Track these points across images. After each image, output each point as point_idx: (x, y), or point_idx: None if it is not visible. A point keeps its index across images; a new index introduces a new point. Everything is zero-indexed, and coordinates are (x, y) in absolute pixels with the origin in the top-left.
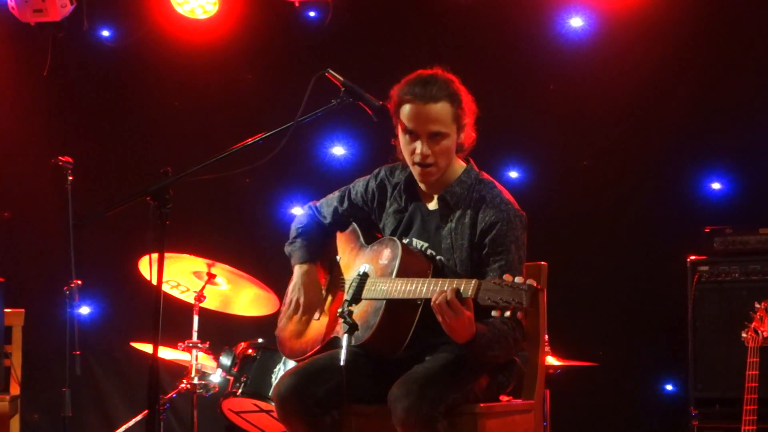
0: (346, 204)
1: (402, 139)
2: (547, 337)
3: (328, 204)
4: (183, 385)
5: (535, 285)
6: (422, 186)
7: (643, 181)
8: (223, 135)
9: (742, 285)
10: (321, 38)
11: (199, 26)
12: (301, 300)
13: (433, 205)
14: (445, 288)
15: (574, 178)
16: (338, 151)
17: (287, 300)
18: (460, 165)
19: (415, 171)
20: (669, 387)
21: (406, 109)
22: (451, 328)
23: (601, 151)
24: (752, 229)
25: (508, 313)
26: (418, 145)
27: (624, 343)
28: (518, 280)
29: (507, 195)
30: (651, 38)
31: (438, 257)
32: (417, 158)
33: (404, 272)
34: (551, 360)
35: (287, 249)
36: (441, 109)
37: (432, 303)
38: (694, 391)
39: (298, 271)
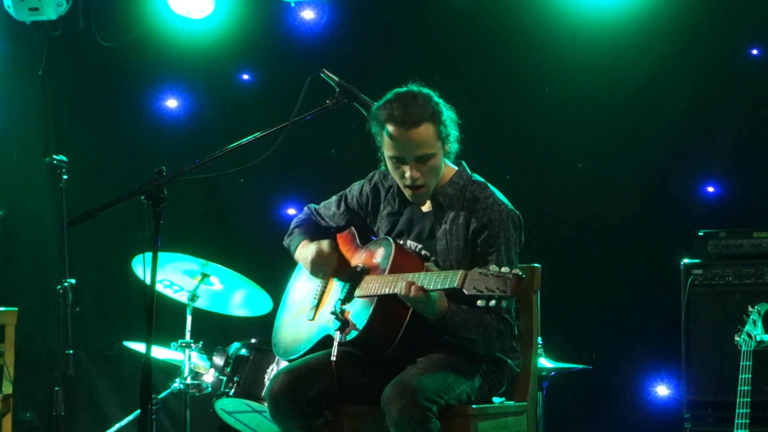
0: (343, 208)
1: (389, 163)
2: (540, 339)
3: (326, 207)
4: (176, 385)
5: (519, 273)
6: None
7: (636, 184)
8: (218, 135)
9: (735, 288)
10: (316, 39)
11: (195, 26)
12: (314, 251)
13: (426, 207)
14: (432, 279)
15: (568, 180)
16: (333, 151)
17: (287, 296)
18: (450, 168)
19: (407, 192)
20: (662, 390)
21: (388, 133)
22: (422, 311)
23: (595, 153)
24: (746, 233)
25: (493, 303)
26: (407, 170)
27: (617, 345)
28: (504, 269)
29: (500, 195)
30: (647, 42)
31: (433, 258)
32: (407, 182)
33: (396, 269)
34: (545, 362)
35: (286, 241)
36: (424, 132)
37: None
38: (687, 394)
39: (301, 246)
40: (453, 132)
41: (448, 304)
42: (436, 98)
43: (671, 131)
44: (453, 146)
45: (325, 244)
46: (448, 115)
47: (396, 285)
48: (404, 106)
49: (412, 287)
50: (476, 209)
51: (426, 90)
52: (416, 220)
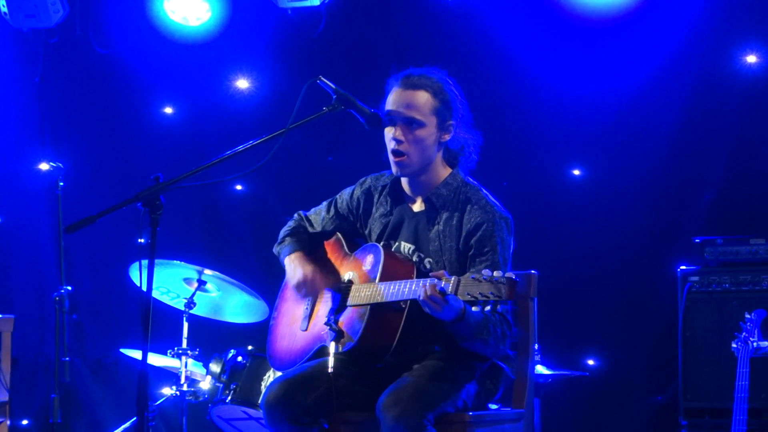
0: (332, 213)
1: (385, 128)
2: (537, 346)
3: (316, 213)
4: (172, 392)
5: (513, 277)
6: (405, 186)
7: (633, 191)
8: (215, 142)
9: (732, 295)
10: (313, 46)
11: (192, 34)
12: (300, 276)
13: (417, 207)
14: (426, 285)
15: (564, 187)
16: (329, 158)
17: (279, 305)
18: (445, 169)
19: (392, 161)
20: (659, 397)
21: (389, 96)
22: (440, 315)
23: (592, 161)
24: (743, 240)
25: (488, 308)
26: (393, 131)
27: (614, 352)
28: (497, 273)
29: (493, 198)
30: (644, 47)
31: (427, 259)
32: (392, 145)
33: (387, 276)
34: (541, 369)
35: (276, 249)
36: (419, 96)
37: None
38: (684, 401)
39: (288, 260)
40: (456, 123)
41: (463, 304)
42: (450, 84)
43: (668, 138)
44: (455, 141)
45: (308, 270)
46: (457, 105)
47: (389, 292)
48: (411, 74)
49: (429, 289)
50: (469, 210)
51: (445, 75)
52: (408, 220)
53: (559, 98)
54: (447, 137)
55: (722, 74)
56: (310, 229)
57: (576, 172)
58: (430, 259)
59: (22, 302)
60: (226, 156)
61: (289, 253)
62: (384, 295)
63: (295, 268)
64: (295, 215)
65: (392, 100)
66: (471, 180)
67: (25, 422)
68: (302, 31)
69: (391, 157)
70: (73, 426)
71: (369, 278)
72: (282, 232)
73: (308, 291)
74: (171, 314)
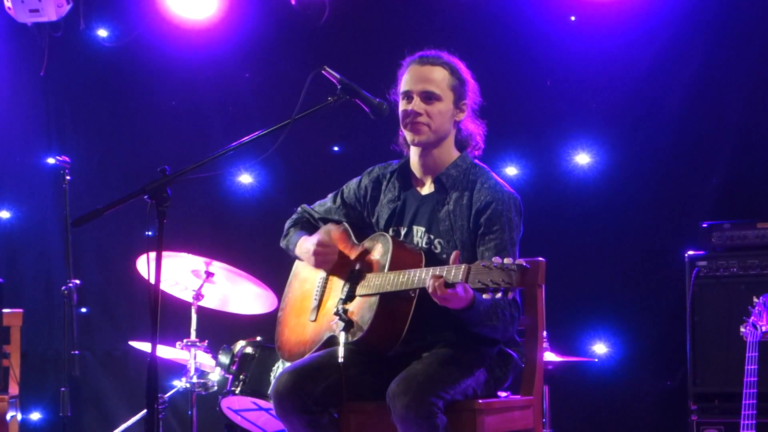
0: (339, 203)
1: (400, 105)
2: (546, 333)
3: (321, 204)
4: (182, 384)
5: (524, 264)
6: (415, 166)
7: (640, 176)
8: (221, 133)
9: (740, 280)
10: (317, 36)
11: (196, 25)
12: (318, 239)
13: (426, 190)
14: (437, 273)
15: (571, 173)
16: (335, 148)
17: (287, 296)
18: (455, 152)
19: (407, 131)
20: (668, 382)
21: (404, 76)
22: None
23: (598, 146)
24: (750, 224)
25: (499, 295)
26: (412, 103)
27: (623, 338)
28: (507, 261)
29: (501, 180)
30: (648, 32)
31: (437, 240)
32: (409, 116)
33: (396, 265)
34: (550, 356)
35: (283, 242)
36: (437, 72)
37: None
38: (693, 386)
39: (301, 241)
40: (468, 104)
41: (473, 293)
42: (463, 66)
43: (675, 123)
44: (466, 124)
45: (329, 230)
46: (470, 86)
47: (399, 281)
48: (426, 53)
49: (437, 283)
50: (478, 189)
51: (458, 59)
52: (417, 204)
53: (564, 83)
54: (461, 116)
55: (730, 56)
56: (315, 217)
57: (582, 158)
58: (441, 240)
59: (31, 296)
60: (231, 147)
61: (300, 237)
62: (394, 284)
63: (312, 240)
64: (298, 209)
65: (409, 77)
66: (479, 163)
67: (35, 416)
68: (306, 20)
69: (407, 127)
70: (84, 419)
71: (378, 267)
72: (287, 225)
73: (331, 254)
74: (179, 306)
